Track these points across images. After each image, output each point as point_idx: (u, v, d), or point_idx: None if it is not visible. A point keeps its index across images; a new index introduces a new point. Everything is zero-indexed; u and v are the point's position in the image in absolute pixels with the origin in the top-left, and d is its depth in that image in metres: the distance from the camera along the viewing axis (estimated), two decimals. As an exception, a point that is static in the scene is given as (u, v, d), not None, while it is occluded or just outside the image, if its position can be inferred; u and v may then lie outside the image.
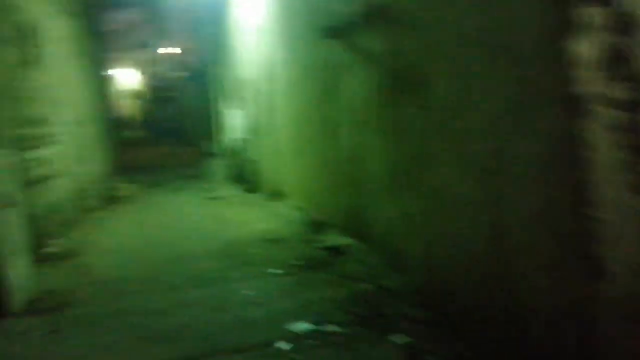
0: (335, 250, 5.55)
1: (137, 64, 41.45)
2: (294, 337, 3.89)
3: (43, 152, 7.51)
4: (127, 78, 42.71)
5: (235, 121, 11.86)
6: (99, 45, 14.60)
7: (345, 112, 5.57)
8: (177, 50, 24.73)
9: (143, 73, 39.78)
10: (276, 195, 9.32)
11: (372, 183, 4.95)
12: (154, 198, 12.06)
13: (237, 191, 11.42)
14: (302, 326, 4.02)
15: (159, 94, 33.19)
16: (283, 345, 3.78)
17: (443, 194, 3.72)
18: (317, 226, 6.50)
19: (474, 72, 3.22)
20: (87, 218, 9.45)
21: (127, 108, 44.56)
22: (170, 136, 31.54)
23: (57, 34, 8.72)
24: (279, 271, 5.38)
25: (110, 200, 11.81)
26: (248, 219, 8.43)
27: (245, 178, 11.82)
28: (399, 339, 3.82)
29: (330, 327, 3.99)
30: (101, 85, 14.42)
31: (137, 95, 41.98)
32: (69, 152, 8.95)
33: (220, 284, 5.21)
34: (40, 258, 6.70)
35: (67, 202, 8.56)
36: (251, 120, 10.74)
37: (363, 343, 3.81)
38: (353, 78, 5.26)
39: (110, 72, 31.51)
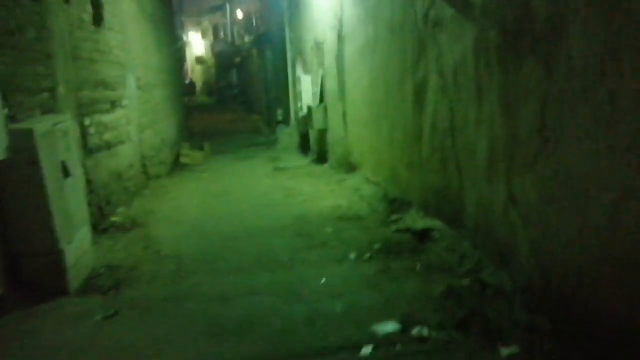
0: (420, 234, 4.88)
1: (207, 30, 41.46)
2: (379, 341, 3.28)
3: (107, 117, 7.17)
4: (197, 44, 42.86)
5: (303, 87, 11.25)
6: (168, 8, 14.25)
7: (435, 76, 4.82)
8: (246, 14, 24.18)
9: (213, 38, 39.72)
10: (347, 166, 8.70)
11: (469, 160, 4.22)
12: (220, 166, 11.70)
13: (305, 161, 10.88)
14: (388, 327, 3.40)
15: (226, 60, 32.97)
16: (366, 350, 3.19)
17: (571, 178, 2.97)
18: (396, 204, 5.84)
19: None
20: (152, 185, 9.17)
21: (197, 73, 44.86)
22: (237, 102, 31.41)
23: (121, -7, 8.31)
24: (358, 256, 4.77)
25: (176, 166, 11.55)
26: (318, 192, 7.87)
27: (314, 147, 11.25)
28: (505, 349, 3.16)
29: (422, 330, 3.35)
30: (171, 50, 14.12)
31: (205, 60, 42.08)
32: (134, 117, 8.62)
33: (292, 268, 4.66)
34: (102, 229, 6.41)
35: (131, 169, 8.26)
36: (320, 86, 10.09)
37: (461, 352, 3.17)
38: (447, 35, 4.49)
39: (181, 37, 31.58)
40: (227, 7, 33.66)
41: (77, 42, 6.21)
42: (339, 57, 8.68)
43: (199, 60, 42.83)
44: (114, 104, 7.51)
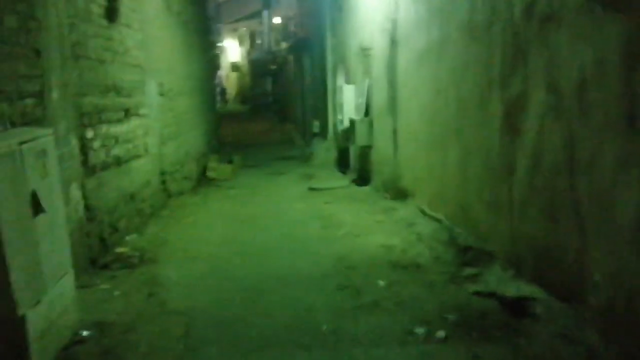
0: (513, 304, 3.59)
1: (243, 36, 40.73)
2: None
3: (118, 128, 6.08)
4: (233, 50, 42.15)
5: (345, 98, 10.04)
6: (202, 12, 13.26)
7: (541, 92, 3.54)
8: (284, 19, 23.19)
9: (249, 45, 38.91)
10: (395, 192, 7.43)
11: (603, 213, 2.92)
12: (249, 181, 10.56)
13: (344, 181, 9.65)
14: None
15: (261, 67, 32.06)
16: None
17: None
18: (470, 254, 4.54)
19: None
20: (172, 204, 8.07)
21: (231, 81, 44.16)
22: (271, 111, 30.41)
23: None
24: (427, 332, 3.50)
25: (202, 182, 10.47)
26: (362, 223, 6.62)
27: (354, 166, 10.03)
28: None
29: None
30: (205, 55, 13.11)
31: (240, 68, 41.31)
32: (154, 128, 7.54)
33: (336, 347, 3.42)
34: (102, 264, 5.28)
35: (148, 188, 7.16)
36: (365, 97, 8.86)
37: None
38: (568, 35, 3.22)
39: (215, 42, 30.85)
40: (265, 13, 32.79)
41: (81, 38, 5.12)
42: (391, 65, 7.45)
43: (234, 67, 42.13)
44: (128, 113, 6.43)
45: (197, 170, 10.65)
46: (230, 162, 11.75)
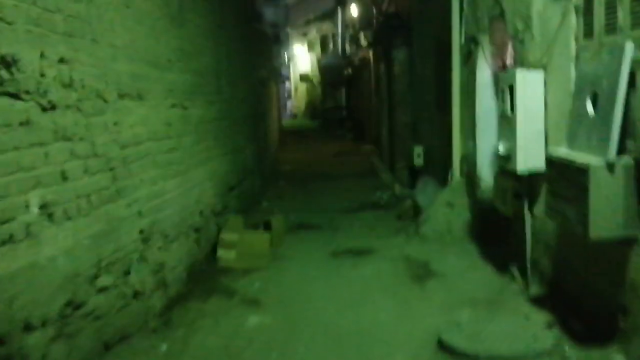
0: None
1: (314, 41, 35.65)
2: None
3: None
4: (302, 58, 37.15)
5: (520, 102, 4.24)
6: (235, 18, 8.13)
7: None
8: (364, 7, 17.65)
9: (320, 50, 33.72)
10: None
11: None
12: (295, 284, 5.07)
13: (480, 261, 4.08)
14: None
15: (334, 75, 26.72)
16: None
17: None
18: None
19: None
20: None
21: (300, 93, 39.15)
22: (344, 128, 24.91)
23: None
24: None
25: (197, 279, 5.11)
26: None
27: (501, 233, 4.42)
28: None
29: None
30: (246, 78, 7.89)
31: (310, 78, 36.25)
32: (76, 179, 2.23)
33: None
34: None
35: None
36: (621, 97, 3.15)
37: None
38: None
39: (280, 49, 25.90)
40: (339, 12, 27.55)
41: None
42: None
43: (304, 77, 37.06)
44: None
45: (201, 249, 5.29)
46: (267, 227, 6.30)
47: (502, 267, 4.77)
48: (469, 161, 5.94)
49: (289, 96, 42.01)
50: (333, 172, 12.96)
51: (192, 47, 5.49)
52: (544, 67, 3.99)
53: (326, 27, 32.04)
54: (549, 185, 3.58)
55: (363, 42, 15.91)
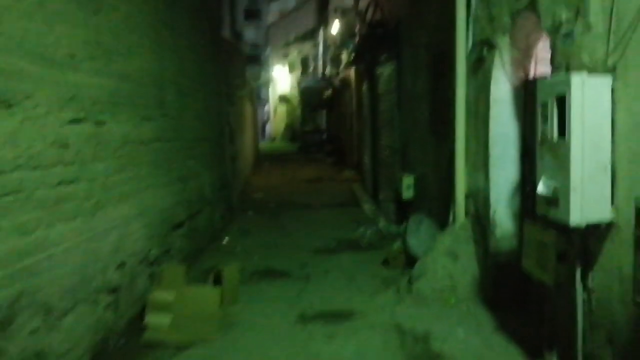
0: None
1: (294, 62, 34.43)
2: None
3: None
4: (283, 79, 35.89)
5: (575, 120, 2.95)
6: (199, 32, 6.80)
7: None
8: (346, 25, 16.41)
9: (300, 71, 32.50)
10: None
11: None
12: (254, 347, 3.67)
13: (498, 338, 2.74)
14: None
15: (314, 97, 25.47)
16: None
17: None
18: None
19: None
20: None
21: (280, 115, 37.81)
22: (323, 152, 23.58)
23: None
24: None
25: (128, 351, 3.68)
26: None
27: (526, 298, 3.08)
28: None
29: None
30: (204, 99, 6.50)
31: (290, 99, 34.99)
32: None
33: None
34: None
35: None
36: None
37: None
38: None
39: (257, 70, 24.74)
40: (320, 31, 26.44)
41: None
42: None
43: (283, 98, 35.84)
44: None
45: (106, 324, 3.85)
46: (216, 279, 4.86)
47: (532, 351, 3.42)
48: (478, 199, 4.62)
49: (268, 118, 40.77)
50: (309, 201, 11.56)
51: (117, 42, 4.12)
52: (612, 71, 2.69)
53: (307, 48, 30.94)
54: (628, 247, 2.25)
55: (344, 58, 14.64)
